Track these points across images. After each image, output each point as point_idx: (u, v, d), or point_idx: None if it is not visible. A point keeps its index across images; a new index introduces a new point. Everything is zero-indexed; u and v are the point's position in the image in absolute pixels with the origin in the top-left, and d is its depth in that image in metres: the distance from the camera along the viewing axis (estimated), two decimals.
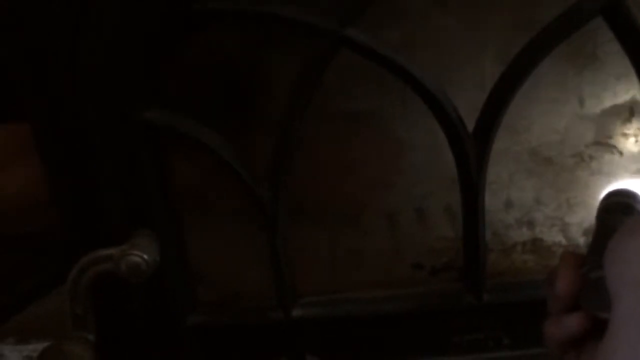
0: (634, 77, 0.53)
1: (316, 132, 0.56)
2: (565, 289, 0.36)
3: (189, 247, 0.60)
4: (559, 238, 0.62)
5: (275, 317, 0.61)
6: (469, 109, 0.54)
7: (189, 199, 0.59)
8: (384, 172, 0.60)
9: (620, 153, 0.59)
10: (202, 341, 0.62)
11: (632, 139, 0.58)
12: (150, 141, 0.54)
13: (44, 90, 0.51)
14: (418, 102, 0.53)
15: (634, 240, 0.31)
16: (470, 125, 0.54)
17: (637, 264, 0.30)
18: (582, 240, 0.62)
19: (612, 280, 0.32)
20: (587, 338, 0.35)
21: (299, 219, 0.59)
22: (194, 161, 0.58)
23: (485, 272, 0.60)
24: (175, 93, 0.54)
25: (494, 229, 0.61)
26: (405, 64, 0.51)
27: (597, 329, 0.33)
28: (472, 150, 0.54)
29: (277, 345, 0.63)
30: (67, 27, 0.48)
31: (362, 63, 0.52)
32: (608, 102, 0.57)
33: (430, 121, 0.55)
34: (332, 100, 0.56)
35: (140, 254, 0.53)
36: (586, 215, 0.60)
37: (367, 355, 0.64)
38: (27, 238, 0.79)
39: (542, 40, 0.51)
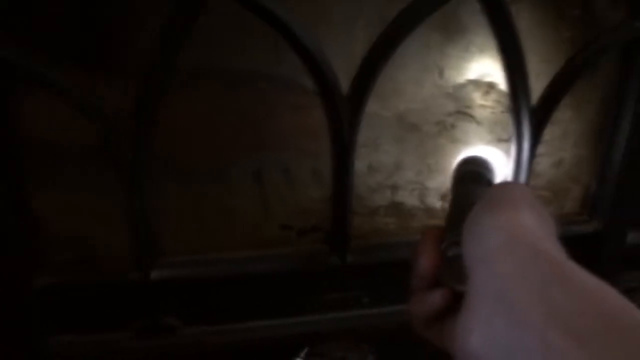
0: (496, 51, 0.56)
1: (185, 85, 0.53)
2: (426, 267, 0.38)
3: (38, 204, 0.54)
4: (418, 202, 0.65)
5: (133, 279, 0.57)
6: (337, 71, 0.54)
7: (37, 151, 0.53)
8: (252, 130, 0.58)
9: (478, 123, 0.62)
10: (52, 304, 0.57)
11: (489, 110, 0.62)
12: None
13: None
14: (293, 61, 0.52)
15: (487, 217, 0.33)
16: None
17: (490, 240, 0.32)
18: (439, 205, 0.65)
19: (468, 256, 0.33)
20: (449, 312, 0.37)
21: (162, 175, 0.55)
22: (45, 109, 0.51)
23: (350, 234, 0.61)
24: (26, 29, 0.48)
25: (358, 192, 0.62)
26: (284, 17, 0.49)
27: (457, 304, 0.35)
28: (345, 112, 0.54)
29: (135, 308, 0.60)
30: None
31: (237, 18, 0.49)
32: (470, 73, 0.60)
33: (302, 81, 0.54)
34: (204, 55, 0.52)
35: None
36: (444, 180, 0.64)
37: (231, 316, 0.62)
38: None
39: (416, 7, 0.52)
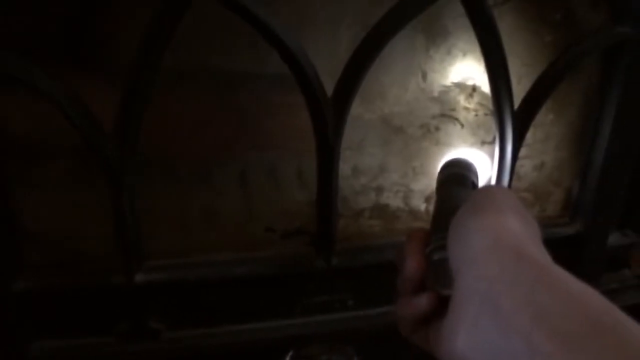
0: (479, 54, 0.57)
1: (171, 85, 0.52)
2: (412, 271, 0.38)
3: (19, 204, 0.54)
4: (403, 204, 0.65)
5: (117, 282, 0.57)
6: (321, 73, 0.53)
7: (19, 150, 0.52)
8: (237, 131, 0.58)
9: (462, 125, 0.63)
10: (34, 308, 0.56)
11: (472, 113, 0.62)
12: None
13: None
14: (277, 62, 0.52)
15: (472, 220, 0.34)
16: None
17: (476, 243, 0.32)
18: (423, 207, 0.65)
19: (453, 259, 0.34)
20: (435, 316, 0.37)
21: (148, 176, 0.55)
22: (29, 110, 0.51)
23: (335, 236, 0.61)
24: (7, 30, 0.47)
25: (343, 195, 0.62)
26: (266, 19, 0.49)
27: (443, 307, 0.35)
28: (330, 114, 0.54)
29: (118, 311, 0.59)
30: None
31: (222, 18, 0.49)
32: (454, 76, 0.60)
33: (287, 82, 0.54)
34: (189, 54, 0.52)
35: None
36: (428, 183, 0.64)
37: (216, 319, 0.62)
38: None
39: (402, 9, 0.52)
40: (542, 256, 0.32)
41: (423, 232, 0.41)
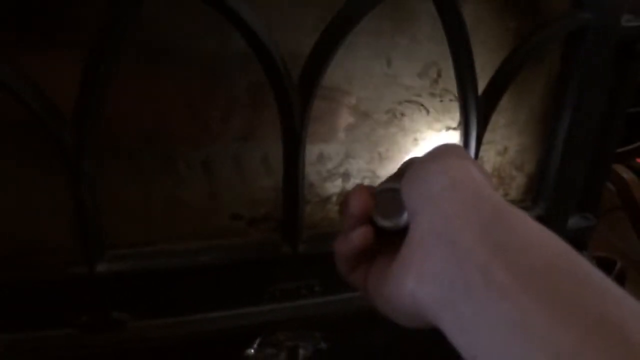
0: (444, 40, 0.57)
1: (130, 69, 0.51)
2: (356, 207, 0.38)
3: None
4: None
5: (78, 273, 0.55)
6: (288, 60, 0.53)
7: None
8: (200, 116, 0.57)
9: (427, 111, 0.63)
10: None
11: (438, 99, 0.62)
12: None
13: None
14: (242, 46, 0.51)
15: (432, 163, 0.35)
16: None
17: (434, 183, 0.33)
18: None
19: (412, 197, 0.35)
20: (374, 256, 0.39)
21: (109, 164, 0.54)
22: None
23: (302, 222, 0.61)
24: None
25: (309, 181, 0.62)
26: (234, 5, 0.48)
27: (385, 247, 0.37)
28: (296, 100, 0.53)
29: (81, 302, 0.58)
30: None
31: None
32: (419, 62, 0.61)
33: (252, 66, 0.53)
34: (151, 35, 0.51)
35: None
36: (394, 168, 0.64)
37: (182, 309, 0.61)
38: None
39: None
40: (500, 198, 0.33)
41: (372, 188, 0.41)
